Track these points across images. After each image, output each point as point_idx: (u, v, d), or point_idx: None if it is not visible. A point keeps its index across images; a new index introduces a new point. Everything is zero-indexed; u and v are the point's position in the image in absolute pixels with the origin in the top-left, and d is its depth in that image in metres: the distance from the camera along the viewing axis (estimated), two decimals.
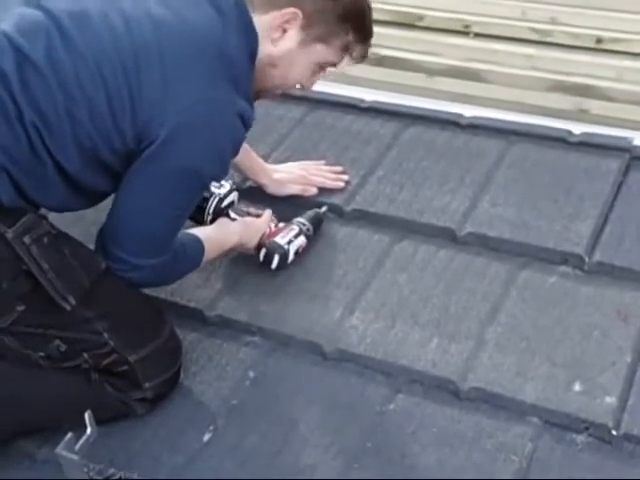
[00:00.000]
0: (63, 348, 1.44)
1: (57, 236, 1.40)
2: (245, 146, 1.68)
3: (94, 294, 1.42)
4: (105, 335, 1.45)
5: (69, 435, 1.30)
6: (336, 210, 1.88)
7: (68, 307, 1.38)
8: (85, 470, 1.31)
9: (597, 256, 1.68)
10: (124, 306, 1.49)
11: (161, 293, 1.70)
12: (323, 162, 1.97)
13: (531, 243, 1.73)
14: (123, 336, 1.46)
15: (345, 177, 1.93)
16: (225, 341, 1.63)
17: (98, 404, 1.43)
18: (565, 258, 1.70)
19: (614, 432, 1.38)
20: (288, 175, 1.91)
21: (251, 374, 1.57)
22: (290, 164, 1.95)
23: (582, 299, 1.62)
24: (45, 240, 1.37)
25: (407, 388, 1.51)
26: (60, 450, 1.30)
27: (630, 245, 1.70)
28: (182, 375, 1.55)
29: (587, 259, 1.68)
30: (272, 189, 1.89)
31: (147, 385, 1.49)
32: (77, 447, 1.30)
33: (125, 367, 1.47)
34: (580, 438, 1.40)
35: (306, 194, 1.89)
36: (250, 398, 1.52)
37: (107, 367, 1.47)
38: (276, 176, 1.90)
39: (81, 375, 1.47)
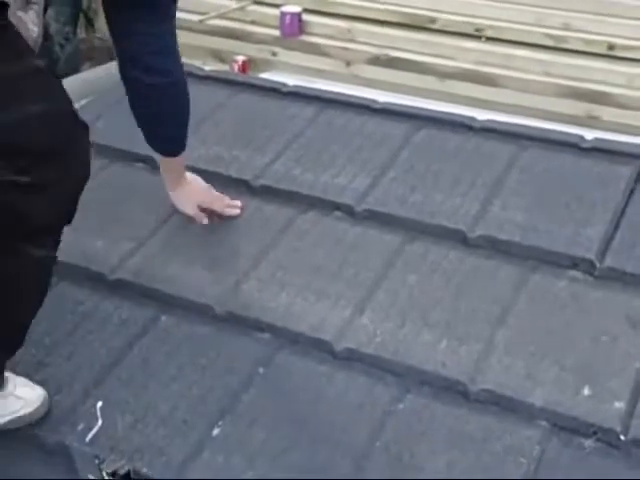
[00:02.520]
0: None
1: None
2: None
3: None
4: None
5: (81, 426, 1.31)
6: (347, 210, 1.88)
7: None
8: (96, 462, 1.32)
9: (608, 261, 1.69)
10: None
11: (170, 289, 1.71)
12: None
13: (541, 247, 1.73)
14: None
15: (238, 203, 1.90)
16: (235, 337, 1.64)
17: None
18: (575, 263, 1.70)
19: (622, 437, 1.38)
20: (196, 194, 1.88)
21: (261, 370, 1.57)
22: (206, 186, 1.91)
23: (592, 304, 1.63)
24: None
25: (416, 389, 1.52)
26: (72, 442, 1.30)
27: None
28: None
29: (598, 264, 1.68)
30: (174, 197, 1.89)
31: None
32: (88, 439, 1.31)
33: None
34: (588, 442, 1.40)
35: (197, 221, 1.87)
36: (259, 394, 1.53)
37: None
38: (187, 188, 1.87)
39: None
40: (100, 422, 1.34)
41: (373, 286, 1.70)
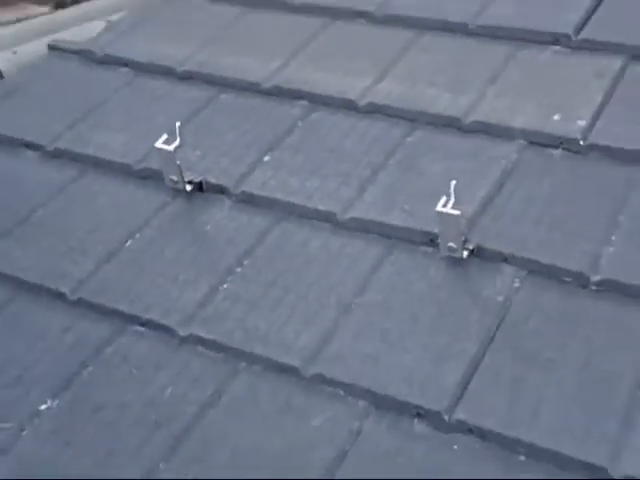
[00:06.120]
0: None
1: None
2: None
3: None
4: None
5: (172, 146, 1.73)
6: None
7: None
8: (177, 162, 1.73)
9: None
10: None
11: None
12: None
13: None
14: None
15: None
16: None
17: None
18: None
19: (582, 142, 1.76)
20: None
21: None
22: None
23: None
24: None
25: None
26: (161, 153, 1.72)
27: None
28: None
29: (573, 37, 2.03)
30: None
31: None
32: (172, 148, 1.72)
33: None
34: (556, 152, 1.79)
35: None
36: None
37: None
38: None
39: None
40: (178, 140, 1.74)
41: None
